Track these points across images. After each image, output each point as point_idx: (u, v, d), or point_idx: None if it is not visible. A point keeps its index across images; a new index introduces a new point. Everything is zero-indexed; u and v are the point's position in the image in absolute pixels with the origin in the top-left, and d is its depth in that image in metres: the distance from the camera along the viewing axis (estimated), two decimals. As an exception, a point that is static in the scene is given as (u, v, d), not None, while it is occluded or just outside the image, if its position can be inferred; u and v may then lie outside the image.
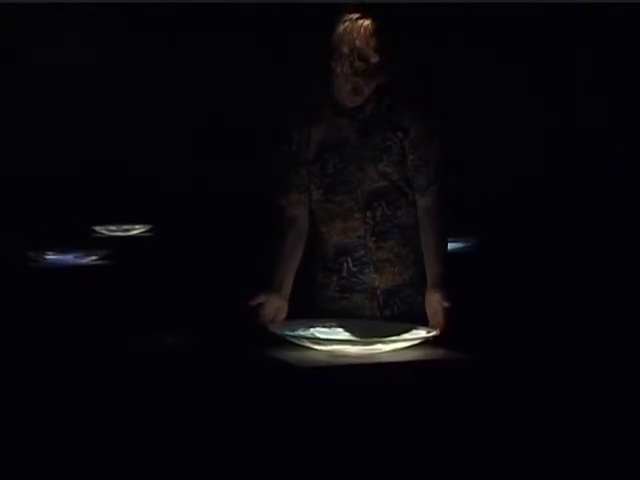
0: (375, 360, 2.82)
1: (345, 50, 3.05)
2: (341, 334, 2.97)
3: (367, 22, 3.03)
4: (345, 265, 3.21)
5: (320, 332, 2.98)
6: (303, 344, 2.90)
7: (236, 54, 6.86)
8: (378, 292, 3.20)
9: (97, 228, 6.53)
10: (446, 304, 3.01)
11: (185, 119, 6.96)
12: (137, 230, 6.61)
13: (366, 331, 2.94)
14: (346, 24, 3.04)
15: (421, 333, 2.93)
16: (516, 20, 6.81)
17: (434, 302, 3.06)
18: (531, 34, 6.91)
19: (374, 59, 3.03)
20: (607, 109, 6.83)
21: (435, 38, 6.75)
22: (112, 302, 4.99)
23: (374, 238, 3.18)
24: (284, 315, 3.22)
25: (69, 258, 5.28)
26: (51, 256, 5.29)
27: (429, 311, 3.08)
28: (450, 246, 5.46)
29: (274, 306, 3.20)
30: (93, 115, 6.86)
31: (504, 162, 6.71)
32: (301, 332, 2.96)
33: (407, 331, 2.93)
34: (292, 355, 2.87)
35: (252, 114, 6.61)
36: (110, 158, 6.88)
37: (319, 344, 2.88)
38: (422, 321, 3.10)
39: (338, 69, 3.07)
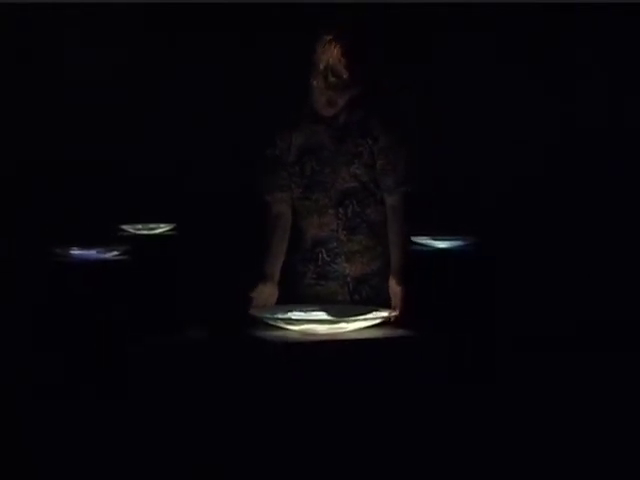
0: (340, 337, 3.22)
1: (321, 67, 3.49)
2: (312, 316, 3.37)
3: (340, 43, 3.46)
4: (320, 255, 3.64)
5: (295, 315, 3.38)
6: (279, 325, 3.31)
7: (243, 58, 7.00)
8: (348, 279, 3.64)
9: (124, 227, 6.92)
10: (402, 288, 3.42)
11: (207, 121, 7.17)
12: (162, 229, 6.99)
13: (336, 314, 3.34)
14: (322, 45, 3.47)
15: (382, 315, 3.32)
16: (516, 19, 6.88)
17: (394, 286, 3.48)
18: (531, 34, 6.95)
19: (345, 75, 3.47)
20: (607, 109, 6.91)
21: (434, 38, 6.93)
22: (128, 295, 5.42)
23: (345, 232, 3.62)
24: (275, 299, 3.64)
25: (92, 253, 5.69)
26: (76, 251, 5.70)
27: (391, 294, 3.50)
28: (449, 244, 5.83)
29: (267, 292, 3.63)
30: (122, 116, 7.16)
31: (503, 162, 6.83)
32: (278, 315, 3.36)
33: (369, 313, 3.32)
34: (269, 334, 3.28)
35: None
36: (139, 158, 7.20)
37: (292, 324, 3.28)
38: (388, 306, 3.50)
39: (315, 83, 3.50)
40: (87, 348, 5.10)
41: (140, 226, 6.98)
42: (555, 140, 6.92)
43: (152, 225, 7.00)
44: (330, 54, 3.47)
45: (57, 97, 6.97)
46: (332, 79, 3.48)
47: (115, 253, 5.86)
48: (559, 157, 6.91)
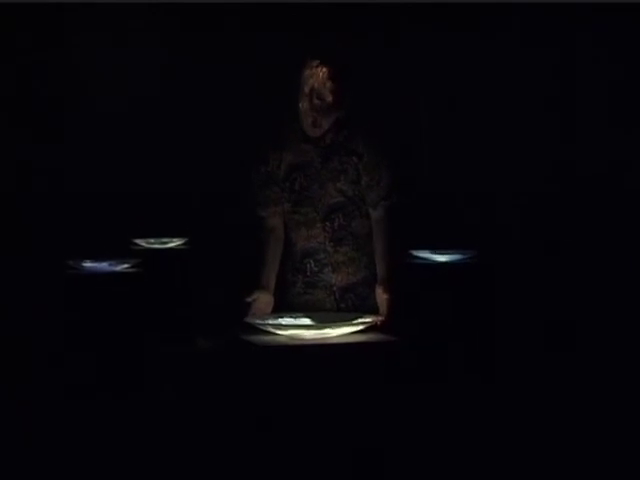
0: (325, 342, 3.45)
1: (306, 90, 3.74)
2: (300, 322, 3.60)
3: (325, 69, 3.72)
4: (308, 266, 3.88)
5: (285, 321, 3.61)
6: (269, 330, 3.54)
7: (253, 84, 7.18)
8: (335, 289, 3.87)
9: (137, 241, 7.16)
10: (388, 296, 3.65)
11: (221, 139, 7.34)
12: (174, 243, 7.23)
13: (323, 320, 3.58)
14: (308, 70, 3.73)
15: (366, 321, 3.55)
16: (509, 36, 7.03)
17: (381, 295, 3.71)
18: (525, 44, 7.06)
19: (329, 98, 3.71)
20: (607, 126, 6.98)
21: (438, 46, 7.08)
22: (134, 306, 5.67)
23: (332, 243, 3.87)
24: (270, 308, 3.88)
25: (104, 266, 5.94)
26: (88, 264, 5.96)
27: (378, 302, 3.73)
28: (449, 258, 6.01)
29: (263, 301, 3.87)
30: (136, 131, 7.36)
31: (503, 176, 6.95)
32: (269, 321, 3.60)
33: (353, 320, 3.55)
34: (260, 338, 3.51)
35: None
36: (153, 175, 7.40)
37: (280, 329, 3.52)
38: (373, 313, 3.73)
39: (301, 105, 3.75)
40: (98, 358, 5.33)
41: (153, 240, 7.23)
42: (557, 154, 6.89)
43: (165, 239, 7.24)
44: (315, 78, 3.73)
45: (72, 111, 7.22)
46: (317, 101, 3.74)
47: (126, 266, 6.11)
48: (561, 171, 6.99)
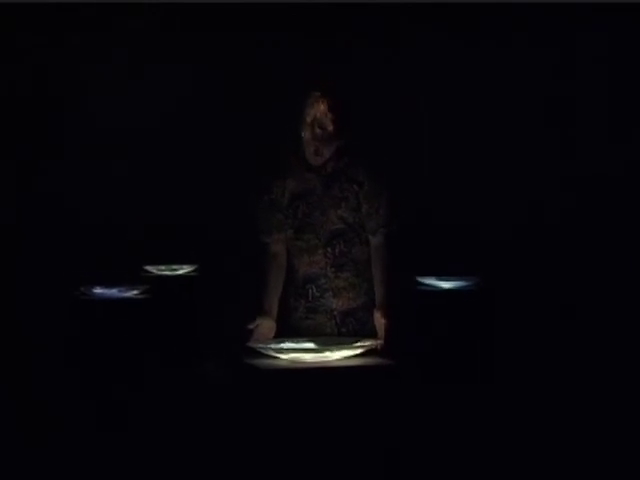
0: (325, 365, 3.54)
1: (308, 120, 3.85)
2: (300, 345, 3.69)
3: (326, 100, 3.83)
4: (310, 291, 3.98)
5: (285, 345, 3.70)
6: (271, 354, 3.63)
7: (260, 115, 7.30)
8: (335, 313, 3.97)
9: (148, 268, 7.29)
10: (387, 321, 3.75)
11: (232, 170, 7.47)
12: (184, 270, 7.36)
13: (323, 344, 3.67)
14: (310, 100, 3.84)
15: (365, 344, 3.64)
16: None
17: (379, 319, 3.81)
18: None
19: (330, 127, 3.83)
20: (606, 153, 7.09)
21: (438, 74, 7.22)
22: (146, 330, 5.79)
23: (333, 269, 3.97)
24: (273, 333, 3.97)
25: (114, 292, 6.07)
26: (98, 290, 6.09)
27: (377, 326, 3.82)
28: (454, 285, 6.11)
29: (266, 327, 3.96)
30: (150, 161, 7.49)
31: (505, 206, 7.06)
32: (271, 345, 3.69)
33: (352, 344, 3.64)
34: (262, 362, 3.61)
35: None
36: (165, 203, 7.54)
37: (282, 353, 3.61)
38: (372, 337, 3.82)
39: (303, 134, 3.86)
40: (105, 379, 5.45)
41: (163, 267, 7.36)
42: (559, 183, 7.13)
43: (175, 266, 7.37)
44: (317, 109, 3.85)
45: (84, 140, 7.38)
46: (318, 131, 3.85)
47: (135, 292, 6.23)
48: (562, 200, 7.11)
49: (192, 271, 7.36)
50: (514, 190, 7.10)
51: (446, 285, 6.26)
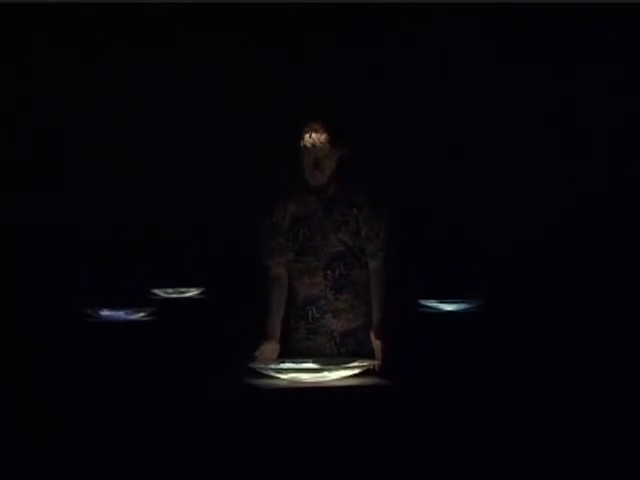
0: (323, 385, 3.62)
1: (307, 144, 3.94)
2: (299, 365, 3.77)
3: (321, 127, 3.97)
4: (310, 312, 4.08)
5: (285, 365, 3.79)
6: (271, 374, 3.72)
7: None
8: (335, 334, 4.06)
9: (155, 291, 7.36)
10: (382, 342, 3.83)
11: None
12: (191, 293, 7.43)
13: (323, 365, 3.75)
14: (308, 127, 3.97)
15: (362, 364, 3.72)
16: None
17: (374, 340, 3.90)
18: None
19: (327, 146, 3.93)
20: (608, 174, 7.12)
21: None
22: (152, 352, 5.87)
23: (333, 291, 4.07)
24: (276, 355, 4.05)
25: (120, 314, 6.16)
26: (105, 312, 6.18)
27: (374, 346, 3.91)
28: (456, 307, 6.18)
29: (270, 350, 4.05)
30: (155, 185, 7.57)
31: (508, 229, 7.11)
32: (271, 365, 3.77)
33: (350, 364, 3.72)
34: (262, 382, 3.69)
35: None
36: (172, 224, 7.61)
37: (281, 373, 3.69)
38: (371, 358, 3.90)
39: (304, 156, 3.95)
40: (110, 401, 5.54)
41: (171, 290, 7.43)
42: (561, 204, 7.11)
43: (182, 289, 7.44)
44: (314, 130, 3.94)
45: (90, 159, 7.46)
46: (317, 152, 3.93)
47: (142, 314, 6.32)
48: (565, 222, 7.08)
49: (199, 294, 7.42)
50: (517, 209, 7.13)
51: (448, 307, 6.33)
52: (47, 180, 7.36)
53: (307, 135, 3.98)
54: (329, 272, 4.06)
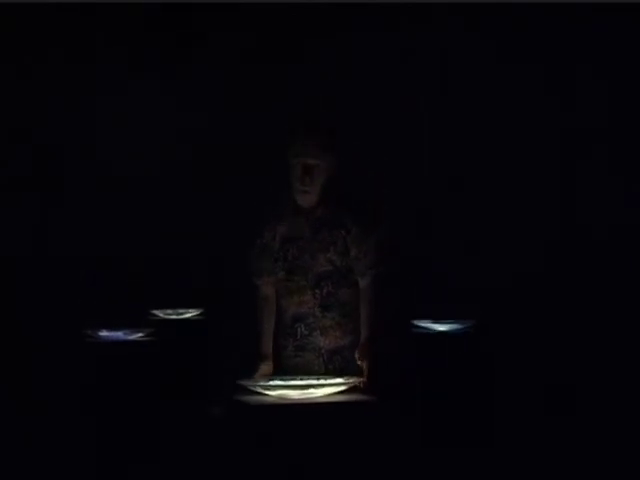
0: (310, 401, 3.73)
1: (295, 161, 4.07)
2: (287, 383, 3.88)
3: (310, 140, 4.06)
4: (299, 330, 4.20)
5: (273, 382, 3.90)
6: (259, 391, 3.82)
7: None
8: (323, 351, 4.19)
9: (154, 311, 7.45)
10: (365, 360, 3.95)
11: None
12: (190, 314, 7.52)
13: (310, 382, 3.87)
14: (295, 144, 4.08)
15: (348, 382, 3.83)
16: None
17: (359, 358, 4.01)
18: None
19: (315, 162, 4.05)
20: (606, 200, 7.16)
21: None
22: (150, 372, 5.96)
23: (321, 309, 4.20)
24: (271, 371, 4.17)
25: (119, 335, 6.26)
26: (104, 333, 6.28)
27: (359, 364, 4.02)
28: (449, 327, 6.24)
29: (267, 369, 4.20)
30: (155, 207, 7.65)
31: (501, 251, 7.17)
32: (260, 383, 3.88)
33: (336, 381, 3.83)
34: (251, 399, 3.80)
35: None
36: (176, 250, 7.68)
37: (269, 390, 3.80)
38: (358, 375, 4.00)
39: (292, 177, 4.07)
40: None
41: (170, 311, 7.52)
42: (554, 225, 7.19)
43: (181, 310, 7.54)
44: (302, 149, 4.07)
45: (87, 187, 7.54)
46: (306, 165, 4.06)
47: (140, 335, 6.42)
48: (561, 241, 7.15)
49: (198, 315, 7.51)
50: (512, 229, 7.19)
51: (441, 328, 6.40)
52: (47, 196, 7.43)
53: (296, 146, 4.10)
54: (317, 291, 4.18)
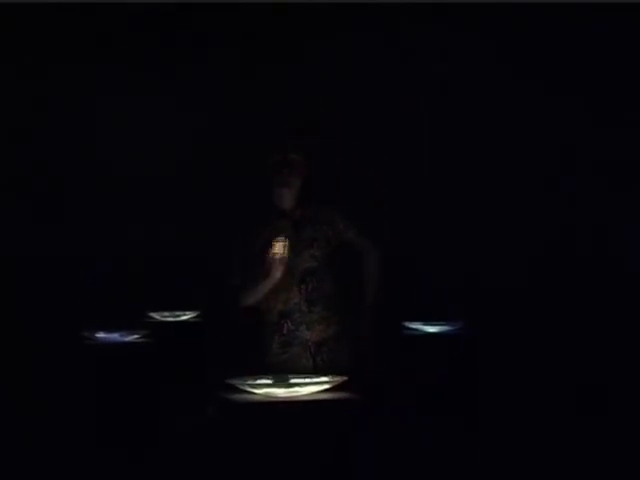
0: (295, 399, 3.71)
1: (276, 167, 4.11)
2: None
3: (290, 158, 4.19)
4: (285, 325, 4.26)
5: (259, 381, 3.87)
6: (246, 389, 3.80)
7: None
8: (310, 344, 4.25)
9: (152, 314, 7.44)
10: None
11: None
12: (187, 316, 7.51)
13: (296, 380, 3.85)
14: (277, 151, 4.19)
15: (333, 380, 3.80)
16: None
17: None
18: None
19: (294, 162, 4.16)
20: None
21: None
22: (146, 372, 5.96)
23: (306, 304, 4.26)
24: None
25: (115, 336, 6.26)
26: (101, 334, 6.28)
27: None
28: (439, 329, 6.20)
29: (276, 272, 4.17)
30: (150, 210, 7.64)
31: (492, 253, 7.15)
32: (247, 382, 3.86)
33: (321, 380, 3.81)
34: (239, 397, 3.78)
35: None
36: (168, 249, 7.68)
37: (256, 388, 3.77)
38: (345, 366, 4.11)
39: (274, 182, 4.08)
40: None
41: (167, 313, 7.52)
42: (545, 227, 7.22)
43: (178, 312, 7.53)
44: (283, 152, 4.19)
45: (86, 188, 7.54)
46: (285, 169, 4.16)
47: (136, 336, 6.40)
48: (552, 243, 7.16)
49: (195, 317, 7.50)
50: (503, 231, 7.18)
51: (432, 329, 6.38)
52: (46, 204, 7.43)
53: (276, 154, 4.19)
54: (303, 286, 4.26)
